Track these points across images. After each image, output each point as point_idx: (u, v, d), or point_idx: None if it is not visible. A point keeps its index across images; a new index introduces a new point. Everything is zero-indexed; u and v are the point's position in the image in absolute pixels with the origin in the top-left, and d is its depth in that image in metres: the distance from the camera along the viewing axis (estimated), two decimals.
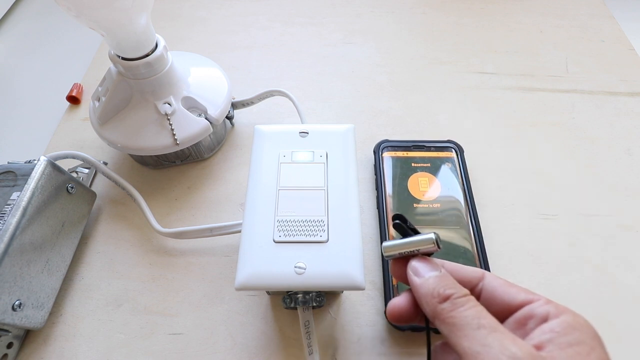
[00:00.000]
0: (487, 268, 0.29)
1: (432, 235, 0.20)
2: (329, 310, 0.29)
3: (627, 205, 0.34)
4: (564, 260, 0.31)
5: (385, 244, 0.22)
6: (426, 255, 0.21)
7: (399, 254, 0.22)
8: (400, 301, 0.22)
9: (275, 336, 0.28)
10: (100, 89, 0.32)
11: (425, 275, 0.20)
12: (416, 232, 0.21)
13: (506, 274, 0.30)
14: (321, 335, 0.28)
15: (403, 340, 0.28)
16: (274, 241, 0.24)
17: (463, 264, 0.28)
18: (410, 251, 0.21)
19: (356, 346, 0.27)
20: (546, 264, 0.31)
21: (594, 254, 0.31)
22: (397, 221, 0.21)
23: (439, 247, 0.21)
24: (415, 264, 0.21)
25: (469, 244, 0.30)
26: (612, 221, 0.33)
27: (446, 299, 0.19)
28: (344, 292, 0.30)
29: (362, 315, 0.29)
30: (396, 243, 0.22)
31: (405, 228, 0.21)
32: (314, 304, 0.25)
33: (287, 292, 0.26)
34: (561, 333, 0.17)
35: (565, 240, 0.32)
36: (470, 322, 0.17)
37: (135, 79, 0.31)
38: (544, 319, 0.18)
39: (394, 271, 0.22)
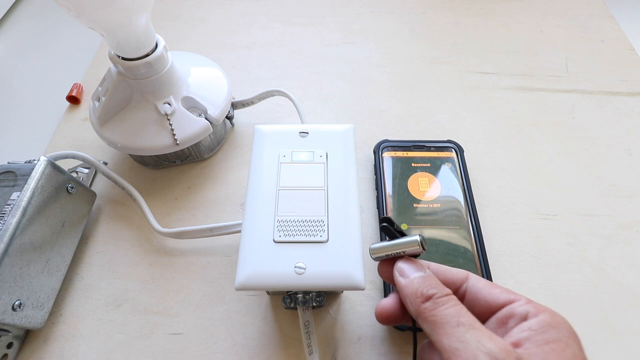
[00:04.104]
0: (487, 268, 0.29)
1: (417, 238, 0.21)
2: (329, 310, 0.29)
3: (627, 205, 0.34)
4: (564, 260, 0.31)
5: (372, 246, 0.23)
6: (412, 256, 0.22)
7: (386, 255, 0.22)
8: (387, 302, 0.22)
9: (275, 336, 0.28)
10: (100, 89, 0.32)
11: (410, 276, 0.21)
12: (403, 235, 0.22)
13: (506, 274, 0.30)
14: (321, 335, 0.28)
15: (403, 340, 0.28)
16: (274, 241, 0.24)
17: (463, 264, 0.29)
18: (397, 253, 0.22)
19: (356, 346, 0.27)
20: (546, 264, 0.31)
21: (594, 254, 0.31)
22: (384, 224, 0.22)
23: (424, 248, 0.21)
24: (401, 265, 0.22)
25: (469, 244, 0.30)
26: (612, 221, 0.33)
27: (429, 298, 0.19)
28: (344, 292, 0.30)
29: (362, 315, 0.29)
30: (383, 245, 0.22)
31: (392, 230, 0.22)
32: (314, 304, 0.25)
33: (287, 292, 0.26)
34: (538, 331, 0.17)
35: (565, 240, 0.32)
36: (450, 320, 0.18)
37: (135, 79, 0.31)
38: (524, 318, 0.18)
39: (381, 272, 0.23)
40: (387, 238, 0.22)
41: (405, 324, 0.22)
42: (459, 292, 0.21)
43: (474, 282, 0.21)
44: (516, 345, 0.17)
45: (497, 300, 0.20)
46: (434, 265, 0.22)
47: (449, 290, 0.20)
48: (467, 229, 0.31)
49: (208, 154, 0.37)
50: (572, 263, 0.31)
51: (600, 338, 0.28)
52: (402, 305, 0.22)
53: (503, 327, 0.19)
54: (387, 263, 0.23)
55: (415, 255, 0.22)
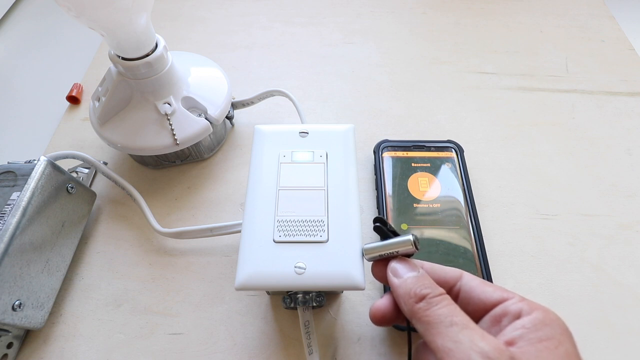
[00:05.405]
0: (487, 268, 0.29)
1: (410, 237, 0.21)
2: (329, 310, 0.29)
3: (627, 205, 0.34)
4: (564, 260, 0.31)
5: (365, 246, 0.23)
6: (406, 256, 0.22)
7: (379, 255, 0.22)
8: (381, 303, 0.22)
9: (275, 336, 0.28)
10: (100, 89, 0.32)
11: (403, 276, 0.21)
12: (396, 235, 0.22)
13: (506, 274, 0.30)
14: (321, 335, 0.28)
15: (403, 340, 0.28)
16: (274, 241, 0.24)
17: (463, 264, 0.29)
18: (390, 253, 0.22)
19: (356, 346, 0.27)
20: (546, 264, 0.31)
21: (594, 254, 0.31)
22: (377, 224, 0.22)
23: (417, 248, 0.21)
24: (394, 265, 0.22)
25: (469, 244, 0.30)
26: (612, 221, 0.33)
27: (422, 298, 0.19)
28: (344, 292, 0.30)
29: (362, 315, 0.29)
30: (376, 245, 0.22)
31: (385, 230, 0.22)
32: (314, 304, 0.25)
33: (287, 292, 0.26)
34: (532, 329, 0.17)
35: (565, 240, 0.32)
36: (443, 320, 0.18)
37: (135, 79, 0.31)
38: (517, 316, 0.18)
39: (375, 273, 0.23)
40: (381, 238, 0.22)
41: (400, 324, 0.22)
42: (453, 291, 0.21)
43: (468, 280, 0.21)
44: (510, 343, 0.17)
45: (490, 299, 0.20)
46: (428, 264, 0.22)
47: (442, 290, 0.20)
48: (467, 229, 0.31)
49: (208, 154, 0.37)
50: (572, 263, 0.31)
51: (600, 338, 0.28)
52: (396, 306, 0.22)
53: (497, 326, 0.19)
54: (380, 263, 0.23)
55: (409, 255, 0.22)
